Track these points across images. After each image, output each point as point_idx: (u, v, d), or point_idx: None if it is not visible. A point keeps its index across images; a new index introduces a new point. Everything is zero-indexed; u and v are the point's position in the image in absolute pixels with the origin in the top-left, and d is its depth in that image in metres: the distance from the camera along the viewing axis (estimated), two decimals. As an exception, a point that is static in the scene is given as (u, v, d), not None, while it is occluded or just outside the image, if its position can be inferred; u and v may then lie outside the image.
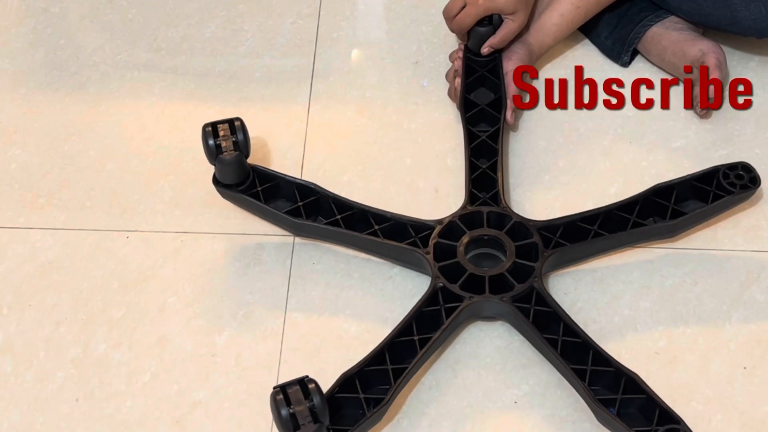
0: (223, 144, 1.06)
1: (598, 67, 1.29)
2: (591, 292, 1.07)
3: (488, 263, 1.06)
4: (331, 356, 1.03)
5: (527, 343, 1.03)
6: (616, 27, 1.26)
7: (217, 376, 1.02)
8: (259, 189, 1.09)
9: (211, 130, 1.07)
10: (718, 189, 1.07)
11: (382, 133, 1.23)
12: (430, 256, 1.04)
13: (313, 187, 1.09)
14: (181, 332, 1.06)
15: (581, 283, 1.08)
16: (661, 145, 1.20)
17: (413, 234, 1.06)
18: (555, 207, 1.14)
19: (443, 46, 1.32)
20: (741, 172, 1.08)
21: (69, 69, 1.33)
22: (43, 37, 1.37)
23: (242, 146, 1.06)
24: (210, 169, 1.20)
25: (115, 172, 1.21)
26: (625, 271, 1.09)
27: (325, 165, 1.20)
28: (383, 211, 1.08)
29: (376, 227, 1.07)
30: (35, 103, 1.29)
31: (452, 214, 1.08)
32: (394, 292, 1.08)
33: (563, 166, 1.19)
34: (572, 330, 0.98)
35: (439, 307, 1.01)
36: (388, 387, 0.94)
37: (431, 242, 1.05)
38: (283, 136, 1.23)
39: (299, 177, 1.12)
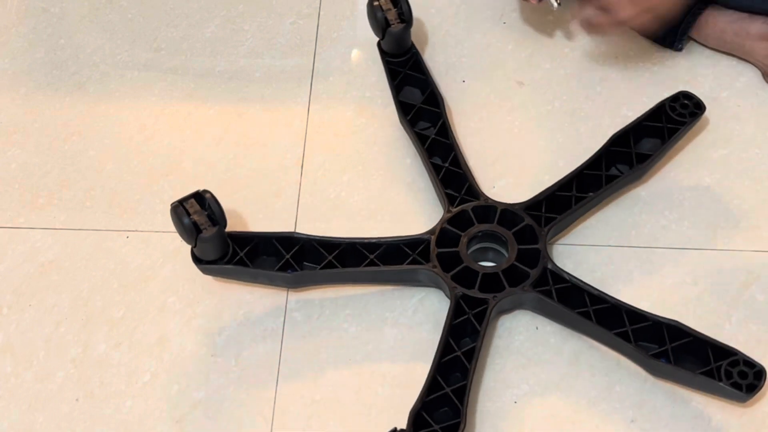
0: (199, 220, 0.97)
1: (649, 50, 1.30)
2: (591, 292, 1.07)
3: (490, 257, 1.07)
4: (331, 356, 1.03)
5: (527, 343, 1.03)
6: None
7: (217, 376, 1.02)
8: (242, 254, 1.03)
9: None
10: (669, 123, 1.12)
11: (382, 133, 1.23)
12: (438, 269, 1.03)
13: (292, 235, 1.05)
14: (181, 332, 1.06)
15: (581, 283, 1.08)
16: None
17: (410, 252, 1.05)
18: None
19: (443, 46, 1.32)
20: (685, 101, 1.14)
21: (69, 69, 1.33)
22: (43, 37, 1.37)
23: (219, 218, 0.99)
24: (210, 169, 1.21)
25: (115, 172, 1.21)
26: (625, 271, 1.09)
27: (325, 165, 1.20)
28: (370, 238, 1.06)
29: (371, 256, 1.05)
30: (35, 103, 1.29)
31: (440, 221, 1.08)
32: (394, 291, 1.08)
33: (563, 166, 1.18)
34: (598, 297, 1.00)
35: (467, 316, 1.00)
36: (453, 408, 0.94)
37: (433, 254, 1.05)
38: (283, 136, 1.23)
39: (272, 230, 1.07)
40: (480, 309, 1.00)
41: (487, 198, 1.09)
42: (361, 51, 1.34)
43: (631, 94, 1.25)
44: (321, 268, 1.03)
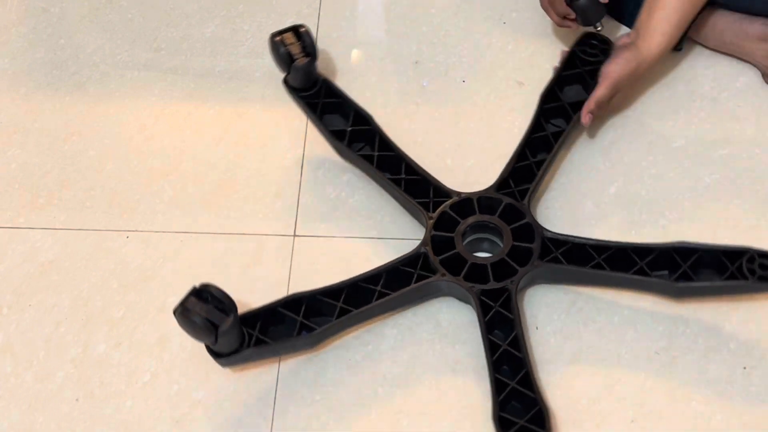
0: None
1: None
2: (591, 292, 1.07)
3: (485, 245, 1.08)
4: (330, 356, 1.03)
5: (527, 342, 1.03)
6: None
7: (217, 376, 1.02)
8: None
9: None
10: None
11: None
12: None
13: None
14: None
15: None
16: (661, 145, 1.20)
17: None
18: (555, 207, 1.14)
19: (443, 46, 1.32)
20: (593, 41, 1.13)
21: (69, 69, 1.33)
22: (43, 37, 1.37)
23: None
24: (210, 169, 1.21)
25: (115, 172, 1.21)
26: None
27: (326, 165, 1.20)
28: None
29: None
30: (35, 103, 1.29)
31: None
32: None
33: (563, 165, 1.18)
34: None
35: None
36: (515, 404, 0.95)
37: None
38: (283, 136, 1.23)
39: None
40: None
41: (459, 193, 1.10)
42: (361, 51, 1.34)
43: (630, 94, 1.25)
44: (336, 318, 0.99)
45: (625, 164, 1.19)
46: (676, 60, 1.28)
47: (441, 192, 1.10)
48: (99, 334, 1.06)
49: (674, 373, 1.01)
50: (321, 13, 1.38)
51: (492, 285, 1.02)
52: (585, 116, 1.13)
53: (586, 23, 1.19)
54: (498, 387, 0.95)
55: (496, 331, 1.00)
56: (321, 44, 1.34)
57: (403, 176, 1.11)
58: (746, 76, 1.26)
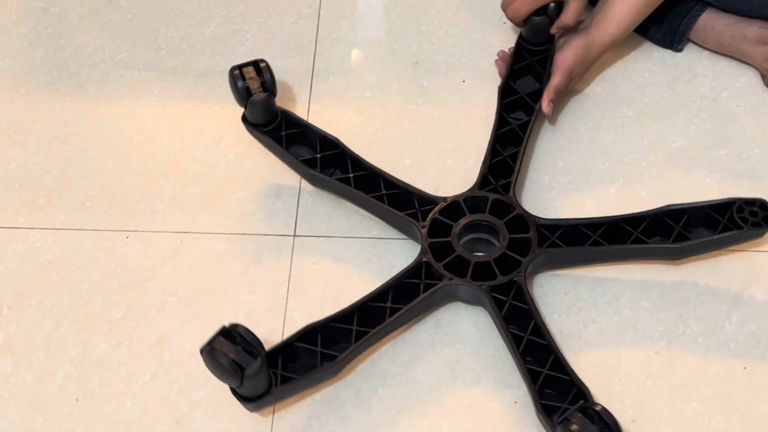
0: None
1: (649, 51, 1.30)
2: (591, 292, 1.07)
3: (482, 248, 1.08)
4: (331, 356, 1.03)
5: (527, 343, 1.03)
6: (664, 20, 1.27)
7: (217, 376, 1.02)
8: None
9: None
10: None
11: (382, 133, 1.23)
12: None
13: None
14: (181, 332, 1.06)
15: (581, 282, 1.08)
16: (661, 145, 1.20)
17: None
18: (555, 207, 1.14)
19: (443, 46, 1.32)
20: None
21: (69, 69, 1.33)
22: (43, 37, 1.37)
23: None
24: (210, 166, 1.21)
25: (115, 172, 1.21)
26: (625, 271, 1.09)
27: (325, 165, 1.20)
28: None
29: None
30: (35, 103, 1.29)
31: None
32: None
33: (563, 166, 1.19)
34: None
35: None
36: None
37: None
38: (283, 136, 1.23)
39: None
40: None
41: (445, 198, 1.09)
42: (361, 51, 1.34)
43: (631, 94, 1.25)
44: (355, 341, 0.98)
45: (625, 164, 1.19)
46: (676, 60, 1.29)
47: (426, 200, 1.09)
48: (99, 334, 1.06)
49: (674, 373, 1.01)
50: (321, 13, 1.38)
51: (501, 280, 1.02)
52: (546, 105, 1.15)
53: (527, 36, 1.21)
54: (532, 377, 0.95)
55: (511, 326, 1.00)
56: (321, 44, 1.34)
57: (384, 192, 1.09)
58: (746, 76, 1.27)
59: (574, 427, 0.87)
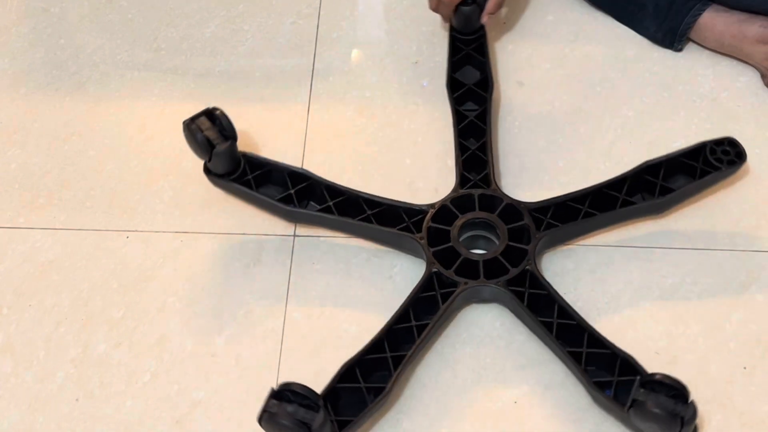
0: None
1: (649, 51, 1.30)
2: (591, 293, 1.07)
3: (482, 245, 1.08)
4: (331, 356, 1.03)
5: (528, 342, 1.03)
6: (665, 19, 1.27)
7: (217, 376, 1.02)
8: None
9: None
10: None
11: (382, 133, 1.23)
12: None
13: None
14: (181, 332, 1.06)
15: (581, 283, 1.08)
16: (661, 145, 1.20)
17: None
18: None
19: (443, 46, 1.32)
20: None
21: (69, 69, 1.33)
22: (43, 37, 1.37)
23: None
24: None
25: (115, 172, 1.21)
26: (625, 271, 1.09)
27: (325, 165, 1.20)
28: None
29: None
30: (35, 103, 1.29)
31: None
32: (394, 292, 1.08)
33: (563, 166, 1.19)
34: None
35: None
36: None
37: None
38: (283, 136, 1.23)
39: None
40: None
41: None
42: (361, 51, 1.34)
43: (631, 94, 1.25)
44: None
45: (625, 164, 1.18)
46: (676, 60, 1.29)
47: (413, 211, 1.08)
48: (99, 334, 1.06)
49: (674, 372, 1.00)
50: (321, 13, 1.38)
51: (514, 272, 1.02)
52: (484, 16, 1.19)
53: (458, 26, 1.23)
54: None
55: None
56: (321, 44, 1.34)
57: (369, 213, 1.08)
58: (746, 76, 1.27)
59: (650, 405, 0.86)
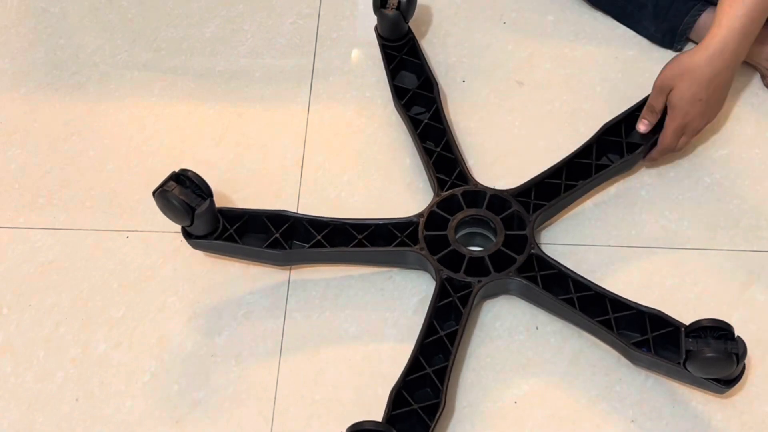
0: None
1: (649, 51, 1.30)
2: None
3: (478, 240, 1.08)
4: (331, 356, 1.03)
5: (527, 343, 1.03)
6: (665, 19, 1.27)
7: (217, 376, 1.02)
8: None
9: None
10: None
11: (382, 133, 1.23)
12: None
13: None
14: (181, 332, 1.06)
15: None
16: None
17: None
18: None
19: (443, 46, 1.32)
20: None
21: (69, 69, 1.33)
22: (43, 37, 1.37)
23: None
24: (210, 169, 1.21)
25: (115, 172, 1.21)
26: (625, 271, 1.09)
27: (325, 165, 1.20)
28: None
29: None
30: (35, 103, 1.29)
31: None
32: (394, 291, 1.08)
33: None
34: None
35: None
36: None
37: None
38: (283, 136, 1.23)
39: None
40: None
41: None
42: (361, 51, 1.34)
43: (631, 94, 1.25)
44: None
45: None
46: (676, 60, 1.28)
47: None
48: (99, 334, 1.06)
49: (674, 373, 1.01)
50: (321, 13, 1.38)
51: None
52: (641, 124, 1.11)
53: (385, 34, 1.22)
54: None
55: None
56: (321, 44, 1.34)
57: (360, 237, 1.05)
58: (746, 76, 1.26)
59: (706, 352, 0.89)
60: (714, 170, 1.17)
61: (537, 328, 1.05)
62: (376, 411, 0.99)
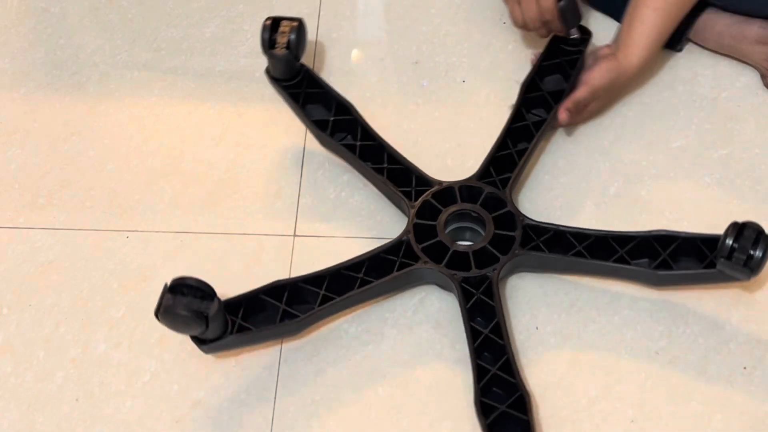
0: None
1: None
2: (591, 292, 1.07)
3: (468, 235, 1.09)
4: (331, 356, 1.03)
5: (527, 343, 1.03)
6: None
7: (217, 376, 1.02)
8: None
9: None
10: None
11: (382, 133, 1.23)
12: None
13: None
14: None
15: (581, 282, 1.08)
16: (661, 144, 1.20)
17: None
18: (555, 207, 1.14)
19: (443, 46, 1.32)
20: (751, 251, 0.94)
21: (69, 69, 1.33)
22: (43, 37, 1.37)
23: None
24: (210, 169, 1.21)
25: (115, 172, 1.21)
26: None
27: (325, 165, 1.20)
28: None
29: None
30: (35, 103, 1.29)
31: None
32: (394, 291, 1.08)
33: (563, 165, 1.18)
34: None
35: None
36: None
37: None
38: (283, 136, 1.23)
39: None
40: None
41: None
42: (361, 51, 1.34)
43: (631, 94, 1.25)
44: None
45: (625, 164, 1.19)
46: (676, 60, 1.28)
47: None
48: (99, 334, 1.06)
49: (674, 373, 1.01)
50: (321, 13, 1.38)
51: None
52: (562, 113, 1.14)
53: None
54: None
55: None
56: (321, 44, 1.34)
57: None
58: (746, 76, 1.27)
59: (738, 253, 0.93)
60: (714, 170, 1.17)
61: (537, 328, 1.05)
62: (376, 410, 0.99)
